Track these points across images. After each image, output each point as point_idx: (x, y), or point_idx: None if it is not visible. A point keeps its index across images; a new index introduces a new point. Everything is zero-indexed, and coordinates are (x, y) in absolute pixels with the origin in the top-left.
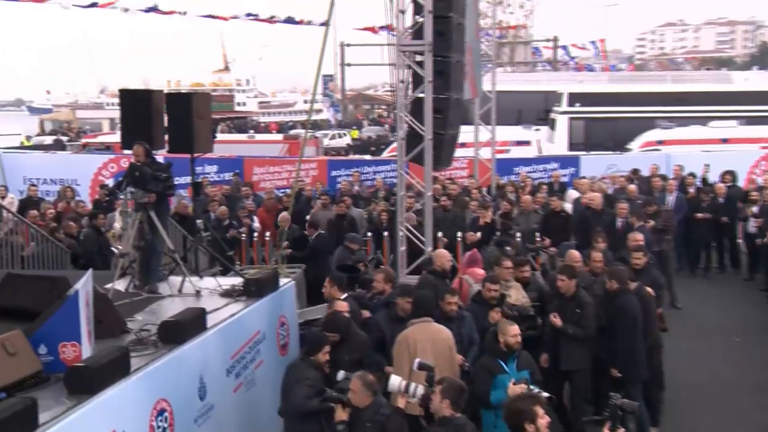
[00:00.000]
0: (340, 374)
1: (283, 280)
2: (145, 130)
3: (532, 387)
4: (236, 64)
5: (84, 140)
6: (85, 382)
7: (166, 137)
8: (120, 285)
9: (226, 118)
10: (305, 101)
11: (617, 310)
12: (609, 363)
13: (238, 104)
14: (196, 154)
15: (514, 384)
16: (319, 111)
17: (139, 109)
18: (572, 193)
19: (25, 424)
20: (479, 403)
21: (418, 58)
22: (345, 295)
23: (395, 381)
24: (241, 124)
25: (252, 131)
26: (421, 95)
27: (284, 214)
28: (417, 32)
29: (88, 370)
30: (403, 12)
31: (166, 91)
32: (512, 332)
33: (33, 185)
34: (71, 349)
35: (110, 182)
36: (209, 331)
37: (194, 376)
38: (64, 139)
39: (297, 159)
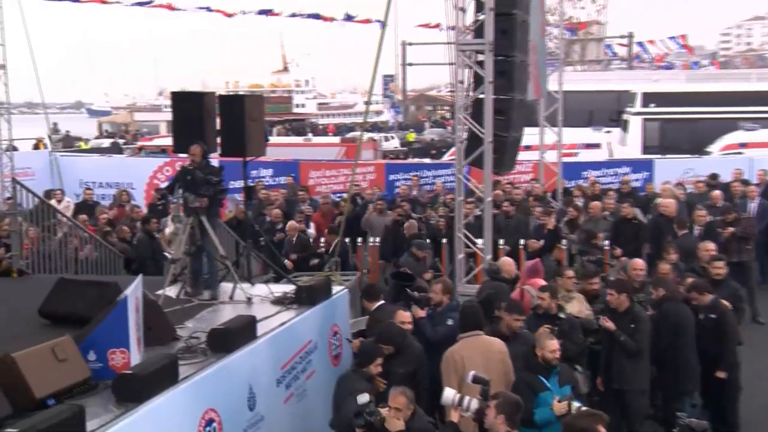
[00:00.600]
0: (363, 397)
1: (335, 288)
2: (197, 133)
3: (576, 403)
4: (295, 64)
5: (140, 143)
6: (132, 390)
7: (219, 140)
8: (171, 291)
9: (283, 120)
10: (365, 102)
11: (662, 316)
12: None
13: (297, 106)
14: (248, 158)
15: (559, 401)
16: (380, 112)
17: (191, 111)
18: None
19: (73, 431)
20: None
21: (479, 57)
22: (379, 303)
23: (449, 394)
24: (299, 126)
25: (310, 134)
26: (482, 96)
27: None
28: (478, 30)
29: (136, 377)
30: (463, 10)
31: (219, 93)
32: (551, 347)
33: (89, 189)
34: (120, 356)
35: (165, 186)
36: (259, 339)
37: (243, 386)
38: (121, 141)
39: (354, 162)
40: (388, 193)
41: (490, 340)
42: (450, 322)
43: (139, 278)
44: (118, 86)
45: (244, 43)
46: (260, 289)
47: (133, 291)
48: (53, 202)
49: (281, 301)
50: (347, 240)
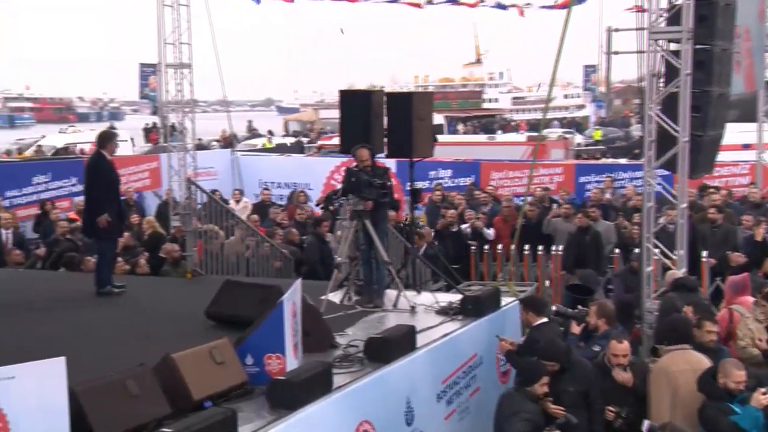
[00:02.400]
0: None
1: (506, 299)
2: (364, 132)
3: None
4: (487, 56)
5: (320, 142)
6: (285, 397)
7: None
8: (335, 296)
9: (472, 116)
10: (565, 96)
11: None
12: None
13: (489, 101)
14: (415, 158)
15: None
16: (581, 107)
17: (359, 110)
18: None
19: None
20: None
21: (673, 46)
22: (543, 320)
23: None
24: (489, 122)
25: (499, 131)
26: (676, 90)
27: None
28: (673, 16)
29: (289, 384)
30: None
31: (387, 92)
32: (737, 377)
33: (266, 189)
34: (276, 362)
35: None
36: (419, 351)
37: (401, 399)
38: (305, 140)
39: (541, 162)
40: (578, 197)
41: (699, 357)
42: (597, 348)
43: (298, 282)
44: (308, 82)
45: (436, 35)
46: (426, 298)
47: (291, 295)
48: (231, 202)
49: (446, 312)
50: (526, 247)
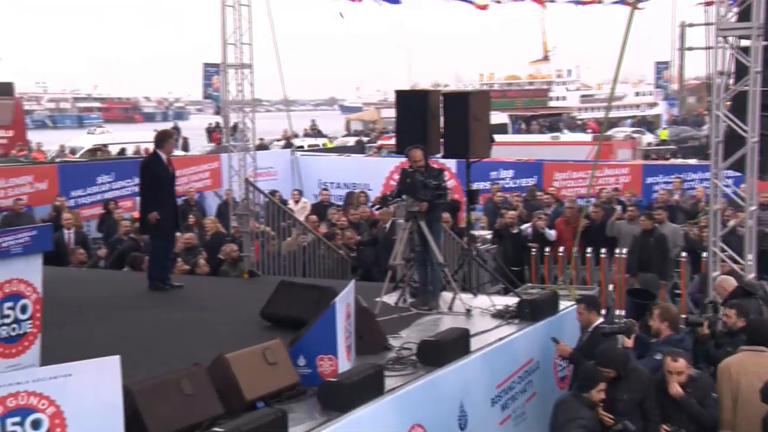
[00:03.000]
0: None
1: (564, 303)
2: (420, 132)
3: None
4: (555, 53)
5: (380, 142)
6: (336, 398)
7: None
8: (390, 298)
9: (538, 115)
10: (636, 94)
11: None
12: None
13: (556, 99)
14: (472, 159)
15: None
16: (653, 105)
17: (415, 110)
18: None
19: None
20: None
21: (743, 43)
22: (598, 322)
23: None
24: (555, 121)
25: (566, 130)
26: (745, 88)
27: None
28: (744, 12)
29: (340, 386)
30: None
31: (443, 91)
32: None
33: (325, 189)
34: (328, 363)
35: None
36: (473, 354)
37: (454, 403)
38: (365, 140)
39: (605, 163)
40: (645, 198)
41: None
42: (659, 356)
43: (352, 283)
44: (371, 81)
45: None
46: (482, 301)
47: (344, 297)
48: (291, 202)
49: (501, 315)
50: (589, 250)
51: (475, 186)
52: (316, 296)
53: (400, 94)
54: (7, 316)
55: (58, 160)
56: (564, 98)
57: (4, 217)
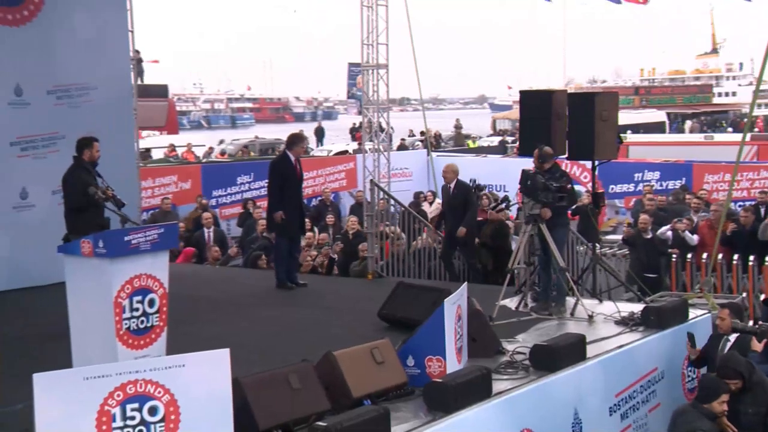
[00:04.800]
0: None
1: (694, 312)
2: (544, 134)
3: None
4: (727, 45)
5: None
6: (441, 399)
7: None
8: (512, 302)
9: (700, 112)
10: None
11: None
12: None
13: (724, 94)
14: (597, 161)
15: None
16: None
17: (539, 111)
18: None
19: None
20: None
21: None
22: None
23: None
24: (716, 119)
25: (729, 128)
26: None
27: None
28: None
29: (444, 387)
30: None
31: (569, 92)
32: None
33: None
34: (436, 364)
35: None
36: (589, 361)
37: (567, 410)
38: (510, 140)
39: (735, 164)
40: None
41: None
42: None
43: (464, 286)
44: (525, 78)
45: (667, 24)
46: (608, 307)
47: (454, 299)
48: (425, 203)
49: (625, 322)
50: (735, 256)
51: (618, 188)
52: (433, 298)
53: (524, 95)
54: (137, 310)
55: (204, 160)
56: (734, 93)
57: (152, 216)
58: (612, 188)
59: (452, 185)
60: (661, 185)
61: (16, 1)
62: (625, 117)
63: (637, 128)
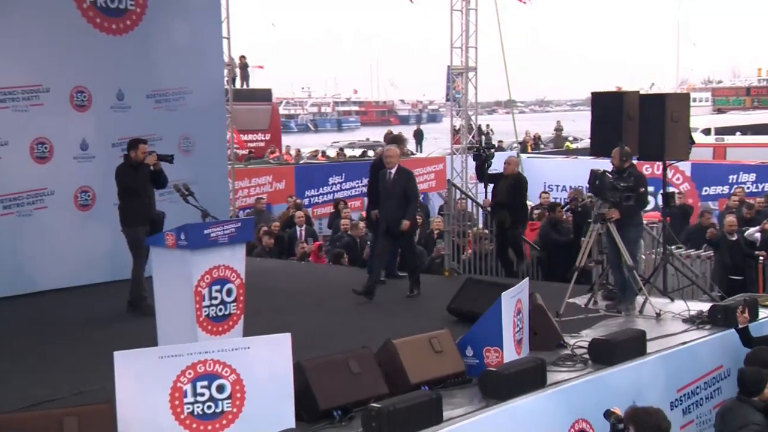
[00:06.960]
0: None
1: (765, 312)
2: (615, 135)
3: None
4: None
5: None
6: (495, 387)
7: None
8: (582, 299)
9: None
10: None
11: None
12: None
13: None
14: (668, 161)
15: None
16: None
17: (611, 112)
18: None
19: (429, 415)
20: None
21: None
22: None
23: None
24: None
25: None
26: None
27: None
28: None
29: (498, 375)
30: None
31: (641, 93)
32: None
33: (545, 192)
34: (494, 355)
35: None
36: (650, 356)
37: (625, 402)
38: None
39: None
40: None
41: None
42: None
43: (525, 281)
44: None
45: None
46: (678, 306)
47: (514, 292)
48: None
49: (693, 320)
50: None
51: (711, 190)
52: (498, 293)
53: (596, 96)
54: (215, 298)
55: (302, 162)
56: None
57: (247, 215)
58: (705, 190)
59: (393, 170)
60: (757, 187)
61: (119, 13)
62: (733, 118)
63: (744, 130)
